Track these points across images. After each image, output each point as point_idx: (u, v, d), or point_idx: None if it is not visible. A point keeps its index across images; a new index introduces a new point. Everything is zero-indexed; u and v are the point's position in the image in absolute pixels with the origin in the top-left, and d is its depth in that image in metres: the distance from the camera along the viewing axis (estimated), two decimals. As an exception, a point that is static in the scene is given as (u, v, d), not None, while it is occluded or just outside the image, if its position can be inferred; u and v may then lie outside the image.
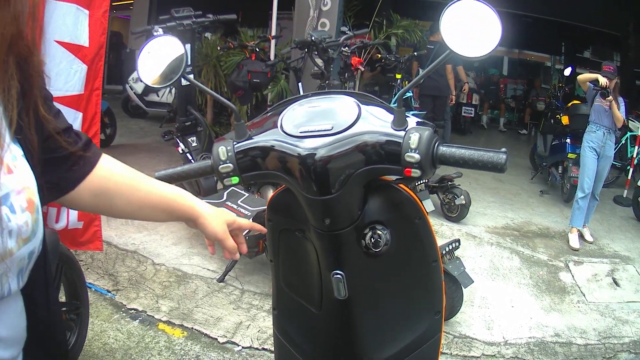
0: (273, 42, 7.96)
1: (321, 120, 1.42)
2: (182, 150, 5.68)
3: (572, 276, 5.77)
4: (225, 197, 4.93)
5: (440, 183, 6.75)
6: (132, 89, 9.49)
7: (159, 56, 1.54)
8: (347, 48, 6.40)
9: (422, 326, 1.66)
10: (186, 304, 4.30)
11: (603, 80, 6.29)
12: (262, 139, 1.46)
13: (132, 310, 4.14)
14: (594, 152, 6.56)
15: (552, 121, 9.53)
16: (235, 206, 4.76)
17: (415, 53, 8.46)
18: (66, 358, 1.45)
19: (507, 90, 16.55)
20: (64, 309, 3.21)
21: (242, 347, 3.86)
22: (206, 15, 5.45)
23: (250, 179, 1.50)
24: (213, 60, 8.53)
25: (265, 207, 1.81)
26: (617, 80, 6.57)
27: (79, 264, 3.33)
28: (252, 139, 1.48)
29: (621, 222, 7.83)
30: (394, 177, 1.48)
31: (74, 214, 4.06)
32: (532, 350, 4.33)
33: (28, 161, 1.02)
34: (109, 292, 4.34)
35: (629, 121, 9.40)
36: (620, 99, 6.57)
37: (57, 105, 1.21)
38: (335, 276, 1.47)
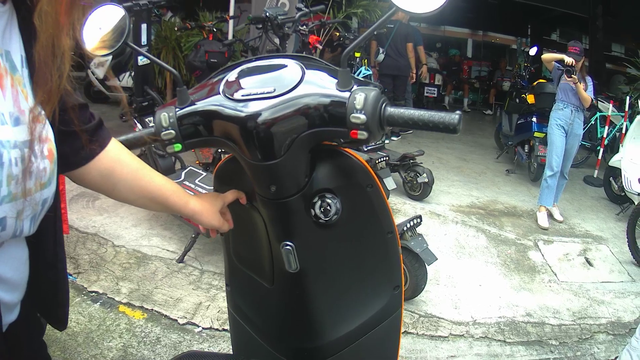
0: (231, 22, 8.17)
1: (264, 84, 1.37)
2: (140, 130, 5.38)
3: (542, 255, 5.61)
4: (183, 177, 5.04)
5: (402, 161, 6.66)
6: (94, 74, 9.31)
7: (103, 25, 1.47)
8: (305, 27, 6.34)
9: (380, 301, 1.64)
10: (146, 285, 4.24)
11: (569, 59, 6.16)
12: (204, 104, 1.42)
13: (93, 293, 4.08)
14: (562, 129, 6.42)
15: (517, 100, 9.36)
16: (192, 185, 4.88)
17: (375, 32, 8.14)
18: (64, 323, 1.44)
19: (472, 72, 16.46)
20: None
21: (203, 328, 3.80)
22: None
23: (193, 146, 1.47)
24: (172, 43, 8.75)
25: None
26: (584, 61, 6.49)
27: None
28: (194, 104, 1.43)
29: (592, 202, 7.68)
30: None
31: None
32: (502, 330, 4.16)
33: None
34: (70, 275, 4.23)
35: (599, 102, 9.41)
36: (589, 79, 6.47)
37: None
38: (285, 247, 1.43)
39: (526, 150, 8.37)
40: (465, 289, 4.70)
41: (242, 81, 1.41)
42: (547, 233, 6.19)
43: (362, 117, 1.25)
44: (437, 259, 4.16)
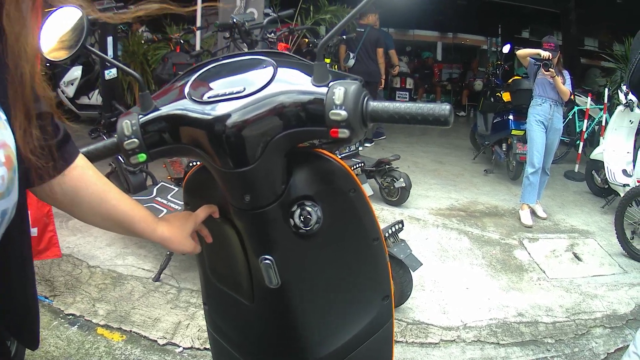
0: (198, 33, 8.03)
1: (233, 83, 1.29)
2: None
3: (529, 253, 5.48)
4: (155, 193, 4.93)
5: (378, 167, 6.53)
6: (64, 93, 9.28)
7: (60, 28, 1.34)
8: (273, 34, 6.16)
9: (369, 313, 1.56)
10: (123, 306, 4.12)
11: (545, 53, 6.10)
12: (168, 109, 1.33)
13: (70, 316, 3.94)
14: (542, 125, 6.33)
15: (492, 99, 9.28)
16: (165, 201, 4.77)
17: (344, 37, 8.16)
18: (36, 342, 1.28)
19: (443, 75, 16.47)
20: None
21: (184, 348, 3.69)
22: (128, 7, 5.09)
23: (159, 155, 1.36)
24: (140, 57, 8.70)
25: None
26: (560, 56, 6.44)
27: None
28: (158, 109, 1.34)
29: (575, 196, 7.60)
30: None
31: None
32: (494, 332, 4.04)
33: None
34: (46, 298, 4.11)
35: (576, 96, 9.36)
36: (566, 72, 6.42)
37: None
38: (265, 262, 1.34)
39: (504, 149, 8.28)
40: (452, 293, 4.57)
41: (210, 82, 1.33)
42: (532, 231, 6.07)
43: (343, 113, 1.16)
44: (422, 264, 4.03)
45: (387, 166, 6.45)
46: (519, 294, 4.61)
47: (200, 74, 1.38)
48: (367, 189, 6.17)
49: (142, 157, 1.34)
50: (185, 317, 3.97)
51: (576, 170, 8.56)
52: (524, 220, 6.24)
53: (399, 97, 13.32)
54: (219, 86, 1.31)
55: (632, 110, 6.63)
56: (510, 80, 8.68)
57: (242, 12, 7.25)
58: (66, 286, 4.27)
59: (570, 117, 9.39)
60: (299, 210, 1.34)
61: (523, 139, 7.22)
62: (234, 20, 5.18)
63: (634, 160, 6.43)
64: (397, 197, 6.39)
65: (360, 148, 7.20)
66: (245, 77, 1.30)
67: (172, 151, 1.37)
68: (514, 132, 7.72)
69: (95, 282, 4.38)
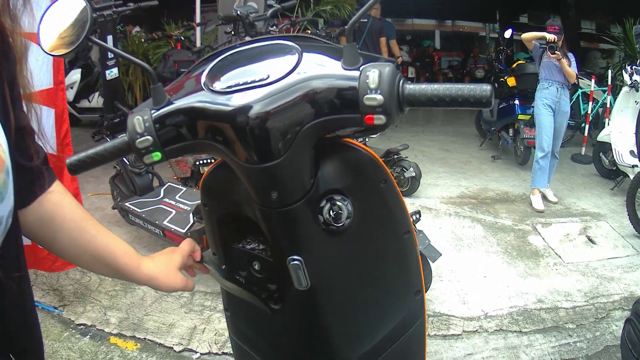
0: (198, 29, 7.93)
1: (255, 70, 1.18)
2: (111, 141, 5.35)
3: (543, 239, 5.47)
4: (162, 194, 4.84)
5: (387, 157, 6.46)
6: None
7: (62, 21, 1.25)
8: (275, 27, 6.08)
9: (401, 311, 1.46)
10: (135, 313, 4.03)
11: (551, 36, 6.11)
12: (184, 102, 1.21)
13: (81, 326, 3.86)
14: (549, 109, 6.31)
15: (496, 85, 9.25)
16: (173, 202, 4.68)
17: (345, 27, 8.01)
18: None
19: (442, 63, 16.43)
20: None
21: (201, 354, 3.59)
22: (127, 5, 5.13)
23: (175, 153, 1.24)
24: (139, 57, 8.42)
25: None
26: (563, 38, 6.44)
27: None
28: (172, 103, 1.22)
29: (583, 179, 7.58)
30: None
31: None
32: (516, 320, 4.02)
33: None
34: (55, 308, 4.03)
35: (579, 79, 9.25)
36: (571, 55, 6.41)
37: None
38: (293, 263, 1.23)
39: (511, 135, 8.25)
40: (471, 282, 4.55)
41: (228, 71, 1.23)
42: (544, 216, 6.06)
43: (379, 97, 1.06)
44: (441, 254, 3.97)
45: (396, 156, 6.43)
46: (536, 280, 4.60)
47: (216, 63, 1.27)
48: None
49: (157, 155, 1.23)
50: (201, 322, 3.91)
51: (583, 153, 8.55)
52: (535, 205, 6.23)
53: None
54: (239, 75, 1.20)
55: (637, 90, 6.57)
56: (514, 65, 8.66)
57: (242, 5, 7.28)
58: (75, 295, 4.22)
59: (574, 99, 9.31)
60: (328, 205, 1.24)
61: (530, 124, 7.23)
62: (238, 12, 5.13)
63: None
64: (407, 187, 6.37)
65: (366, 139, 7.23)
66: (268, 64, 1.20)
67: (189, 148, 1.25)
68: (520, 116, 7.69)
69: (105, 289, 4.32)
